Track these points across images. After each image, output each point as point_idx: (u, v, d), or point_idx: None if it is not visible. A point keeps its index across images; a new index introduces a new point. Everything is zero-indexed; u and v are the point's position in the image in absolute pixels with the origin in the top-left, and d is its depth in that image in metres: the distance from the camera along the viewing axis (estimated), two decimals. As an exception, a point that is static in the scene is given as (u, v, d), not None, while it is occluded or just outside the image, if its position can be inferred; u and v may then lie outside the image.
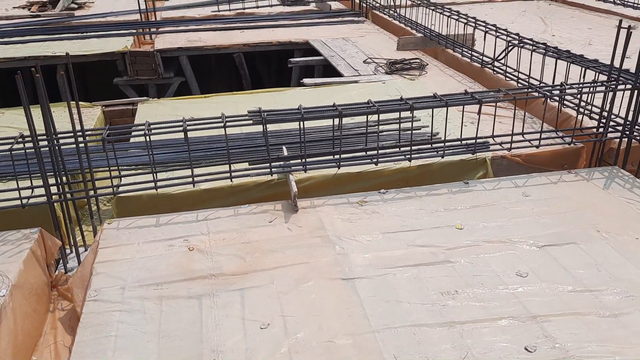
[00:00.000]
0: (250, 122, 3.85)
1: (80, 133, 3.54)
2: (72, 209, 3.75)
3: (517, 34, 5.99)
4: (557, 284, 2.94)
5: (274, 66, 10.88)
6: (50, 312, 3.38)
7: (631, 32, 4.02)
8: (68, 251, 3.82)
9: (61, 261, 3.75)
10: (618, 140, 4.34)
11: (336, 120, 3.93)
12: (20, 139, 3.55)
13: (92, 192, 3.72)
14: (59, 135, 3.55)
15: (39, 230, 3.47)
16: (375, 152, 4.03)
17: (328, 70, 7.76)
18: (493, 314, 2.75)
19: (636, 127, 4.24)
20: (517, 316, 2.73)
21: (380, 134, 4.50)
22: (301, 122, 3.81)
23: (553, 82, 5.10)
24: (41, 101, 3.40)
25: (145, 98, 6.18)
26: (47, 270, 3.50)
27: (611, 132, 4.39)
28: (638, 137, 4.25)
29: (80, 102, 5.71)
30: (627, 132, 4.25)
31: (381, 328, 2.67)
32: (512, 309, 2.78)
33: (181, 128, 3.79)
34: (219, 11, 10.95)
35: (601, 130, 4.39)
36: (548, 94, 4.30)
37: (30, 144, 3.64)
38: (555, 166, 4.53)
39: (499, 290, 2.92)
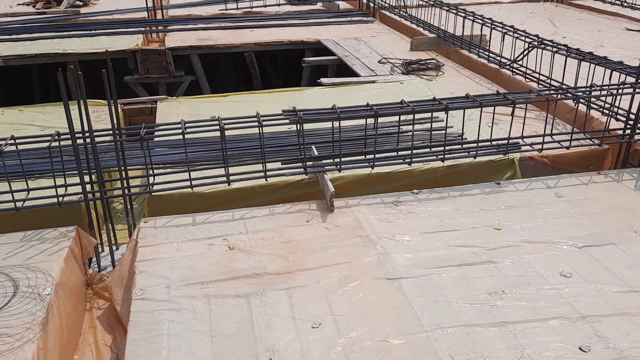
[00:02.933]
0: (287, 121, 3.84)
1: (117, 131, 3.51)
2: (106, 207, 3.72)
3: (537, 36, 6.02)
4: (602, 284, 2.96)
5: (282, 66, 10.87)
6: (87, 311, 3.37)
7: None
8: (100, 250, 3.81)
9: (94, 260, 3.74)
10: (644, 142, 4.38)
11: (369, 120, 3.93)
12: (57, 137, 3.52)
13: (127, 191, 3.69)
14: (96, 133, 3.53)
15: (76, 229, 3.44)
16: (408, 152, 4.04)
17: (341, 70, 7.76)
18: (542, 314, 2.76)
19: (664, 129, 4.28)
20: (566, 316, 2.74)
21: (408, 134, 4.51)
22: (336, 122, 3.81)
23: (575, 84, 5.14)
24: (79, 99, 3.38)
25: (164, 97, 6.15)
26: (83, 268, 3.48)
27: (638, 134, 4.42)
28: (665, 139, 4.28)
29: (97, 100, 5.70)
30: (655, 134, 4.29)
31: (433, 328, 2.68)
32: (561, 309, 2.79)
33: (215, 127, 3.78)
34: (226, 10, 10.92)
35: (628, 132, 4.43)
36: (579, 95, 4.31)
37: (64, 142, 3.62)
38: (581, 167, 4.56)
39: (545, 291, 2.93)
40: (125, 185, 3.66)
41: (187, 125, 3.77)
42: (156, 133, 4.52)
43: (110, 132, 3.47)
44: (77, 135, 3.47)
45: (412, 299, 2.87)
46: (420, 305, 2.83)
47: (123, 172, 3.60)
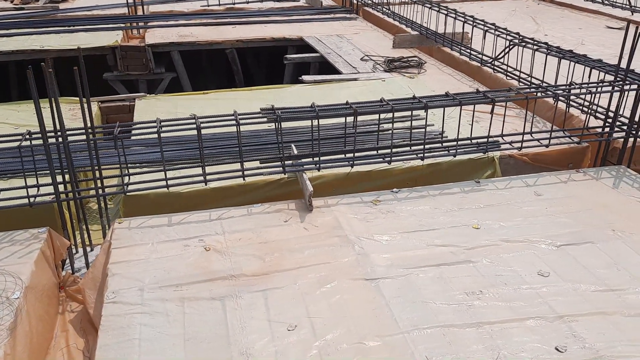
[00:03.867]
0: (264, 119, 3.79)
1: (90, 130, 3.43)
2: (79, 207, 3.64)
3: (518, 33, 6.02)
4: (580, 284, 2.96)
5: (265, 63, 10.79)
6: (59, 314, 3.29)
7: (639, 34, 4.06)
8: (74, 251, 3.73)
9: (67, 262, 3.66)
10: (623, 140, 4.39)
11: (349, 118, 3.89)
12: (27, 136, 3.43)
13: (101, 191, 3.62)
14: (68, 132, 3.45)
15: (48, 230, 3.36)
16: (388, 151, 4.01)
17: (324, 67, 7.71)
18: (520, 314, 2.74)
19: (642, 127, 4.30)
20: (544, 316, 2.73)
21: (389, 132, 4.48)
22: (315, 120, 3.76)
23: (556, 82, 5.15)
24: (50, 97, 3.30)
25: (142, 94, 6.05)
26: (56, 271, 3.40)
27: (617, 131, 4.44)
28: (644, 137, 4.30)
29: (75, 98, 5.59)
30: (633, 132, 4.30)
31: (410, 329, 2.65)
32: (538, 309, 2.78)
33: (192, 125, 3.71)
34: (208, 6, 10.81)
35: (607, 130, 4.44)
36: (559, 93, 4.31)
37: (36, 142, 3.53)
38: (561, 165, 4.57)
39: (522, 290, 2.92)
40: (100, 185, 3.58)
41: (163, 123, 3.70)
42: (133, 132, 4.45)
43: (83, 131, 3.39)
44: (48, 134, 3.39)
45: (390, 300, 2.85)
46: (397, 305, 2.80)
47: (97, 172, 3.52)
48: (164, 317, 2.72)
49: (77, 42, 8.26)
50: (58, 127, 3.37)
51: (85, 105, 3.38)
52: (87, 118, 3.39)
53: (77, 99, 5.70)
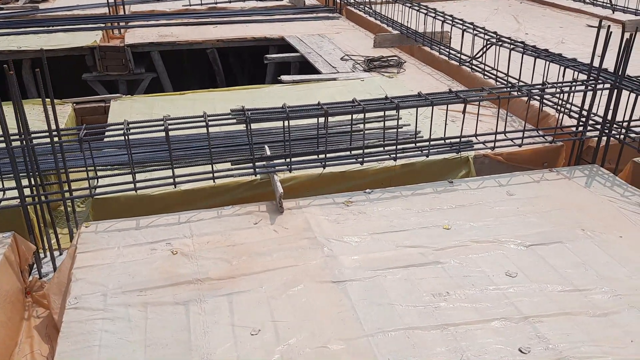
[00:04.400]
0: (234, 121, 3.75)
1: (55, 132, 3.38)
2: (46, 211, 3.59)
3: (495, 32, 6.02)
4: (547, 284, 2.95)
5: (247, 62, 10.73)
6: (25, 320, 3.23)
7: (611, 32, 4.06)
8: (42, 256, 3.67)
9: (35, 266, 3.60)
10: (597, 138, 4.40)
11: (321, 119, 3.86)
12: (-9, 139, 3.37)
13: (68, 194, 3.56)
14: (33, 135, 3.39)
15: (12, 235, 3.31)
16: (360, 151, 3.99)
17: (305, 67, 7.68)
18: (485, 315, 2.73)
19: (615, 125, 4.31)
20: (509, 317, 2.72)
21: (364, 132, 4.45)
22: (286, 121, 3.73)
23: (532, 81, 5.15)
24: (13, 99, 3.24)
25: (118, 95, 5.99)
26: (21, 276, 3.35)
27: (590, 130, 4.45)
28: (616, 136, 4.31)
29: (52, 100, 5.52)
30: (606, 131, 4.31)
31: (374, 332, 2.63)
32: (504, 310, 2.77)
33: (161, 127, 3.67)
34: (190, 5, 10.74)
35: (581, 129, 4.45)
36: (532, 93, 4.31)
37: (2, 144, 3.47)
38: (536, 164, 4.57)
39: (489, 291, 2.91)
40: (66, 188, 3.53)
41: (131, 125, 3.65)
42: (107, 133, 4.40)
43: (47, 133, 3.34)
44: (14, 136, 3.33)
45: (356, 302, 2.82)
46: (363, 308, 2.78)
47: (63, 175, 3.47)
48: (126, 323, 2.68)
49: (55, 42, 8.19)
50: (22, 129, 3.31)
51: (50, 107, 3.32)
52: (52, 120, 3.33)
53: (56, 100, 5.67)
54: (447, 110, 4.23)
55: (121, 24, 9.48)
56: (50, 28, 8.94)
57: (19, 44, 8.10)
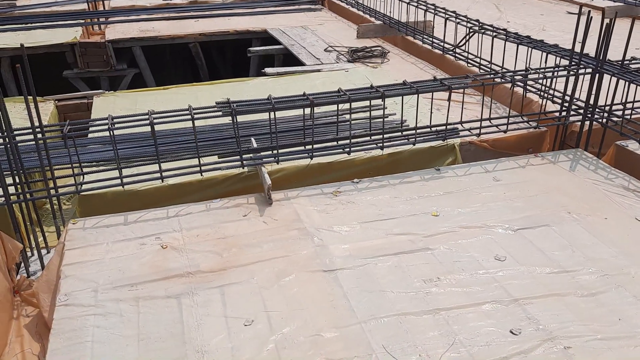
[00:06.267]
0: (219, 113, 3.73)
1: (39, 129, 3.33)
2: (32, 209, 3.55)
3: (477, 20, 6.05)
4: (535, 267, 2.99)
5: (230, 56, 10.67)
6: (14, 319, 3.20)
7: (591, 18, 4.11)
8: (29, 254, 3.63)
9: (22, 265, 3.56)
10: (580, 123, 4.46)
11: (307, 110, 3.86)
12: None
13: (53, 191, 3.53)
14: (16, 132, 3.34)
15: (-2, 234, 3.26)
16: (347, 141, 3.99)
17: (288, 59, 7.66)
18: (476, 299, 2.76)
19: (597, 110, 4.36)
20: (499, 300, 2.76)
21: (349, 123, 4.46)
22: (272, 113, 3.72)
23: (515, 68, 5.19)
24: (-5, 96, 3.19)
25: (101, 91, 5.92)
26: (9, 275, 3.31)
27: (573, 115, 4.50)
28: (599, 120, 4.37)
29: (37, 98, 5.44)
30: (589, 115, 4.37)
31: (367, 319, 2.65)
32: (494, 293, 2.80)
33: (146, 121, 3.64)
34: (170, 0, 10.63)
35: (564, 114, 4.50)
36: (515, 79, 4.35)
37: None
38: (521, 150, 4.61)
39: (479, 275, 2.94)
40: (52, 185, 3.49)
41: (115, 120, 3.62)
42: (91, 129, 4.35)
43: (30, 131, 3.29)
44: (-4, 135, 3.29)
45: (348, 291, 2.84)
46: (355, 296, 2.80)
47: (48, 172, 3.43)
48: (118, 318, 2.67)
49: (34, 39, 8.06)
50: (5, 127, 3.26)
51: (32, 105, 3.28)
52: (35, 117, 3.29)
53: (38, 97, 5.59)
54: (432, 98, 4.25)
55: (101, 19, 9.36)
56: (29, 25, 8.80)
57: (-3, 42, 7.97)
